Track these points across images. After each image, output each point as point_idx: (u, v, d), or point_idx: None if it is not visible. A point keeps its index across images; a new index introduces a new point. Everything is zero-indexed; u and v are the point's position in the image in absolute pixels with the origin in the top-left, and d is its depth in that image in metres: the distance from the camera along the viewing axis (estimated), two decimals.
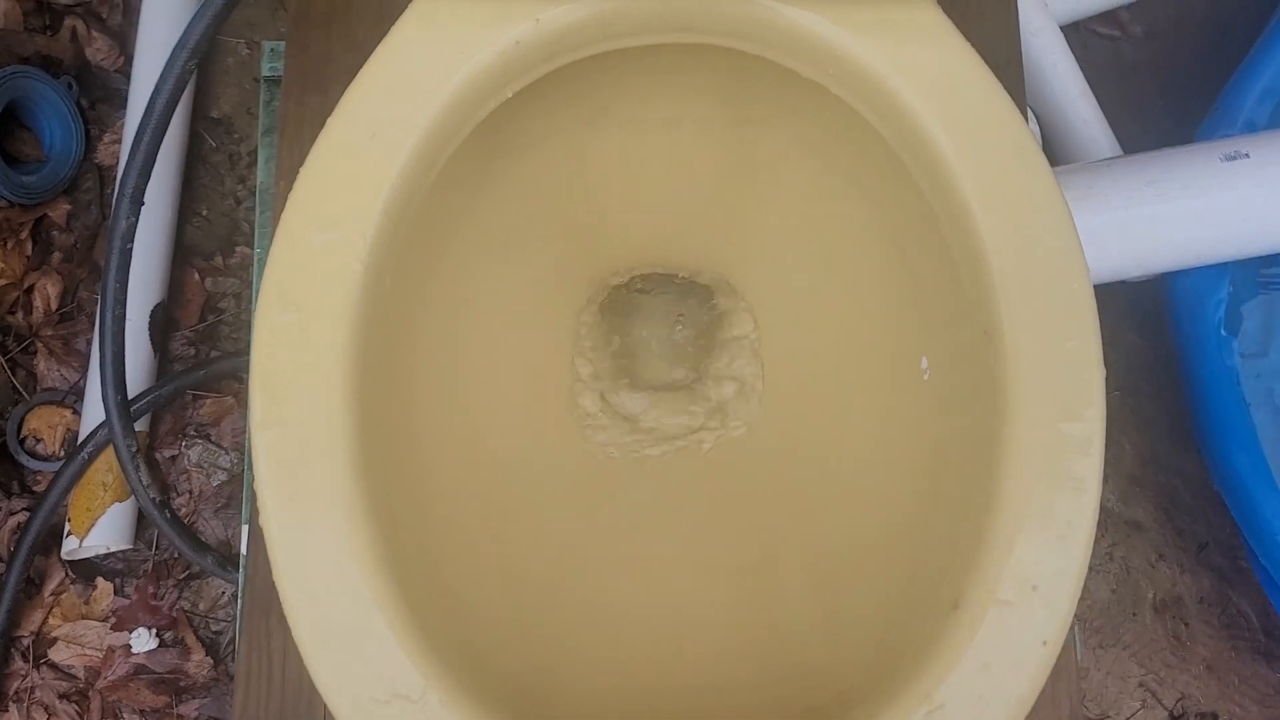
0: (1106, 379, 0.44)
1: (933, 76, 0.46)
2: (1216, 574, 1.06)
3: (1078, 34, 1.16)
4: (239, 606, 0.73)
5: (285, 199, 0.78)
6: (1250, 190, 0.91)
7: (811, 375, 0.59)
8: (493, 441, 0.57)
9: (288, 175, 0.78)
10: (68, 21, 1.10)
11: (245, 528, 0.74)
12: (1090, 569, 1.03)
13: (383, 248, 0.45)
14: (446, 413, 0.54)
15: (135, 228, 0.81)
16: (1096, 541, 1.02)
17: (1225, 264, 0.98)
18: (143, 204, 0.81)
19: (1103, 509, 1.07)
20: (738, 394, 0.59)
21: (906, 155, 0.48)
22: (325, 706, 0.68)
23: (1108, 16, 1.15)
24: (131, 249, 0.82)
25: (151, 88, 1.07)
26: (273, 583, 0.70)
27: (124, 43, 1.12)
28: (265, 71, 0.83)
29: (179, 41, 0.74)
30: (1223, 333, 0.98)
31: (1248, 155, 0.92)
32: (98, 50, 1.10)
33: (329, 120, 0.46)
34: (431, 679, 0.41)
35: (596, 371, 0.60)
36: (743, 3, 0.47)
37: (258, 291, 0.79)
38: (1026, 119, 1.05)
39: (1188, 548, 1.07)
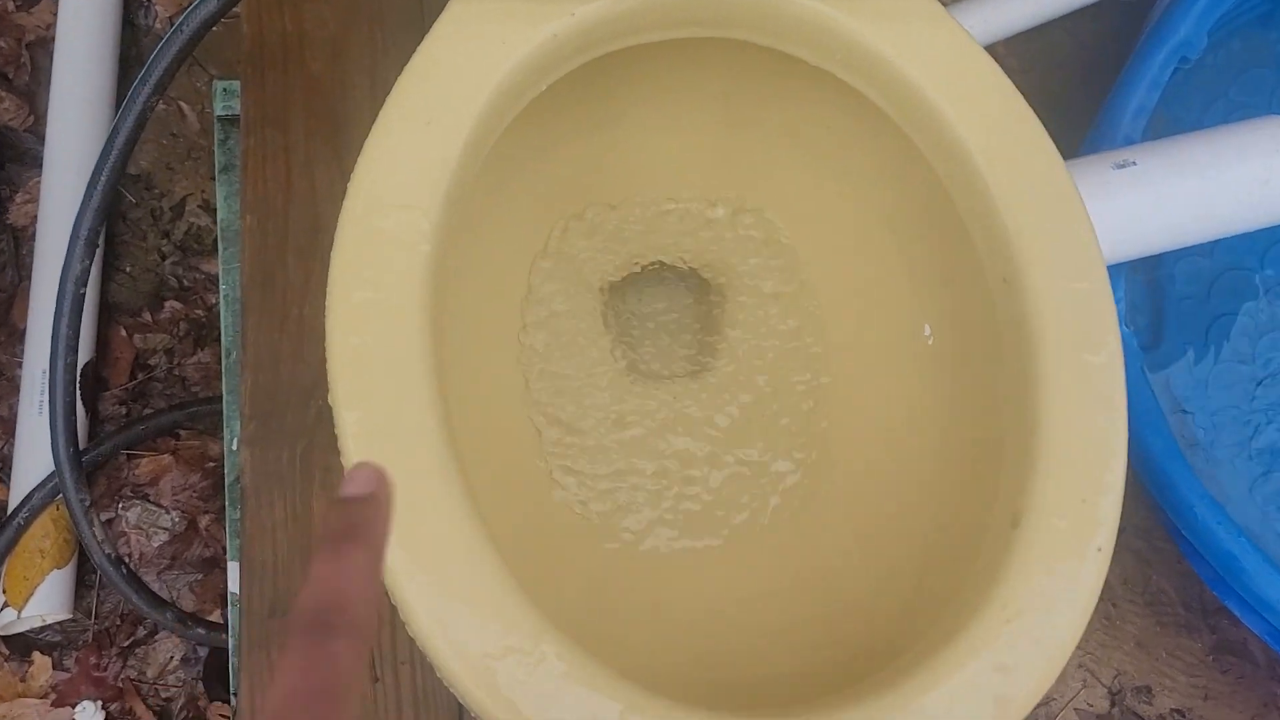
0: None
1: (934, 54, 0.51)
2: (1136, 556, 1.13)
3: None
4: (232, 645, 0.71)
5: (253, 232, 0.79)
6: (1140, 195, 1.00)
7: (825, 353, 0.62)
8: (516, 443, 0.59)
9: (253, 209, 0.78)
10: None
11: (234, 564, 0.73)
12: None
13: (445, 229, 0.47)
14: (478, 399, 0.56)
15: (89, 271, 0.79)
16: None
17: (1120, 265, 1.07)
18: (98, 247, 0.79)
19: None
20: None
21: (912, 128, 0.52)
22: None
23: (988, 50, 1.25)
24: (84, 294, 0.80)
25: (68, 145, 1.05)
26: (270, 615, 0.69)
27: (33, 101, 1.09)
28: (219, 110, 0.83)
29: (140, 78, 0.74)
30: (1124, 326, 1.06)
31: (1135, 163, 1.01)
32: (5, 110, 1.08)
33: (381, 113, 0.47)
34: (543, 633, 0.42)
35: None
36: None
37: (226, 325, 0.79)
38: None
39: None
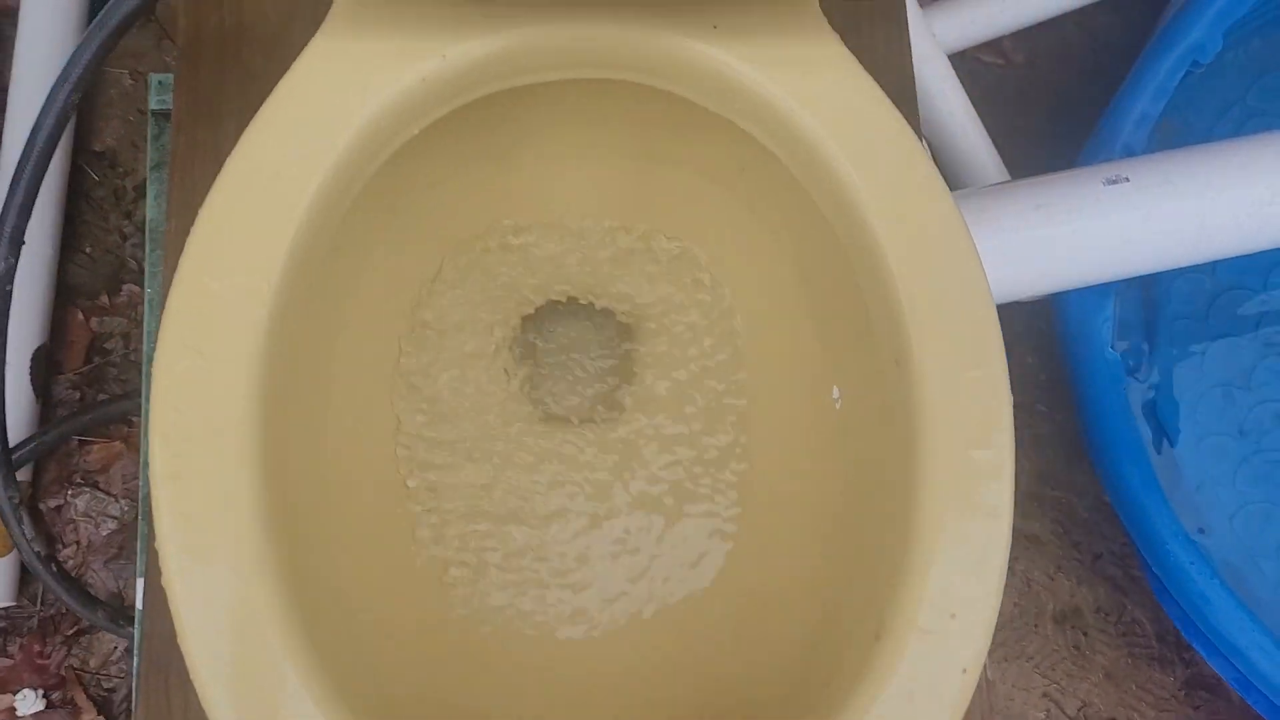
0: None
1: (837, 109, 0.47)
2: (1111, 584, 1.10)
3: (964, 61, 1.19)
4: (134, 665, 0.70)
5: (177, 236, 0.76)
6: (1131, 214, 0.94)
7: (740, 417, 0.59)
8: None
9: (179, 212, 0.75)
10: None
11: (140, 581, 0.71)
12: None
13: (288, 293, 0.44)
14: (355, 470, 0.53)
15: (15, 270, 0.77)
16: None
17: (1110, 283, 1.02)
18: (23, 244, 0.77)
19: None
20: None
21: (812, 187, 0.49)
22: None
23: (992, 45, 1.19)
24: (11, 292, 0.78)
25: (32, 120, 1.03)
26: (171, 639, 0.68)
27: None
28: (153, 105, 0.80)
29: (60, 75, 0.72)
30: (1111, 349, 1.01)
31: (1128, 179, 0.96)
32: None
33: (228, 161, 0.45)
34: None
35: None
36: (654, 41, 0.47)
37: (149, 332, 0.77)
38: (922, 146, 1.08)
39: (1084, 559, 1.10)
